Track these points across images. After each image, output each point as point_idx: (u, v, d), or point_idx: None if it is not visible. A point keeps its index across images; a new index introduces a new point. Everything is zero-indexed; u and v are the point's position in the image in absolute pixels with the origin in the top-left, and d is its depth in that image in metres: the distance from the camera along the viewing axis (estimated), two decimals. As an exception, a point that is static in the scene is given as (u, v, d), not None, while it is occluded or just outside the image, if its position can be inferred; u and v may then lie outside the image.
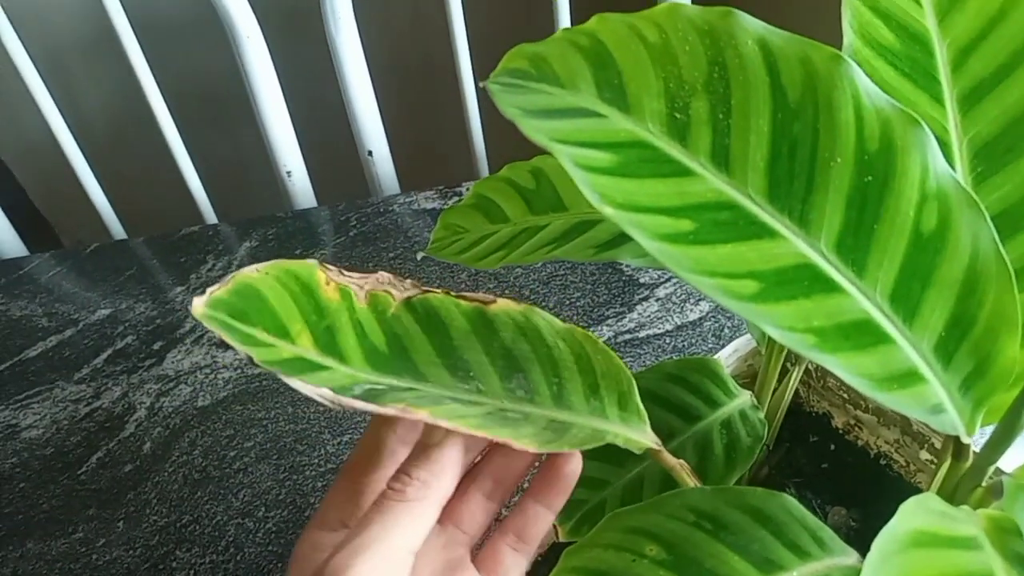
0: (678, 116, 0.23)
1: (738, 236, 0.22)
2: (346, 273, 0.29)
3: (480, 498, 0.29)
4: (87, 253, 0.73)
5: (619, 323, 0.61)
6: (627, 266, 0.65)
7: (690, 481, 0.26)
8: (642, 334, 0.60)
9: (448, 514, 0.29)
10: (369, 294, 0.29)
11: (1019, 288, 0.22)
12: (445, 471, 0.26)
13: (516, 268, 0.67)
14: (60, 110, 0.77)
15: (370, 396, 0.26)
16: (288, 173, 0.80)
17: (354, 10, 0.74)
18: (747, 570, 0.22)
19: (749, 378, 0.42)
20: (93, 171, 0.80)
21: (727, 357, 0.39)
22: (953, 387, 0.22)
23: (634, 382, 0.27)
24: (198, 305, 0.26)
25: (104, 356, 0.64)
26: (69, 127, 0.78)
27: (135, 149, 0.99)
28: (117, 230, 0.81)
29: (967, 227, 0.21)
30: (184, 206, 0.84)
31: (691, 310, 0.62)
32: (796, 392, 0.41)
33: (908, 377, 0.21)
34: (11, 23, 0.72)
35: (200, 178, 0.82)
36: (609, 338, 0.60)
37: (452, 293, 0.29)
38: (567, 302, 0.64)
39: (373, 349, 0.28)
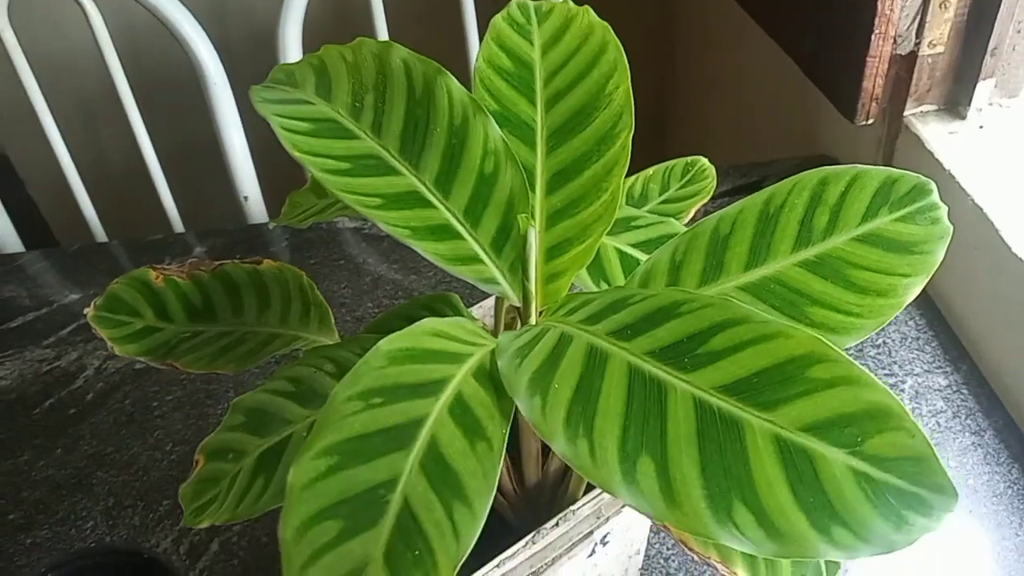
0: (357, 104, 0.37)
1: (376, 173, 0.36)
2: (168, 268, 0.45)
3: None
4: (71, 251, 0.89)
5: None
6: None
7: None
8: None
9: None
10: (190, 273, 0.45)
11: (560, 220, 0.36)
12: None
13: (411, 275, 0.82)
14: (68, 146, 0.94)
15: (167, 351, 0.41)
16: (245, 198, 0.96)
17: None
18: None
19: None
20: (88, 190, 0.97)
21: (491, 305, 0.52)
22: (505, 269, 0.35)
23: (330, 310, 0.42)
24: (88, 312, 0.43)
25: (69, 329, 0.79)
26: (73, 159, 0.95)
27: (124, 177, 1.17)
28: (101, 235, 0.97)
29: (509, 172, 0.35)
30: (159, 220, 1.00)
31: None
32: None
33: (472, 260, 0.35)
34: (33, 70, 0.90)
35: (175, 201, 0.99)
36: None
37: (236, 261, 0.44)
38: (447, 303, 0.78)
39: (192, 306, 0.43)
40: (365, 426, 0.27)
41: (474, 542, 0.26)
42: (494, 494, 0.27)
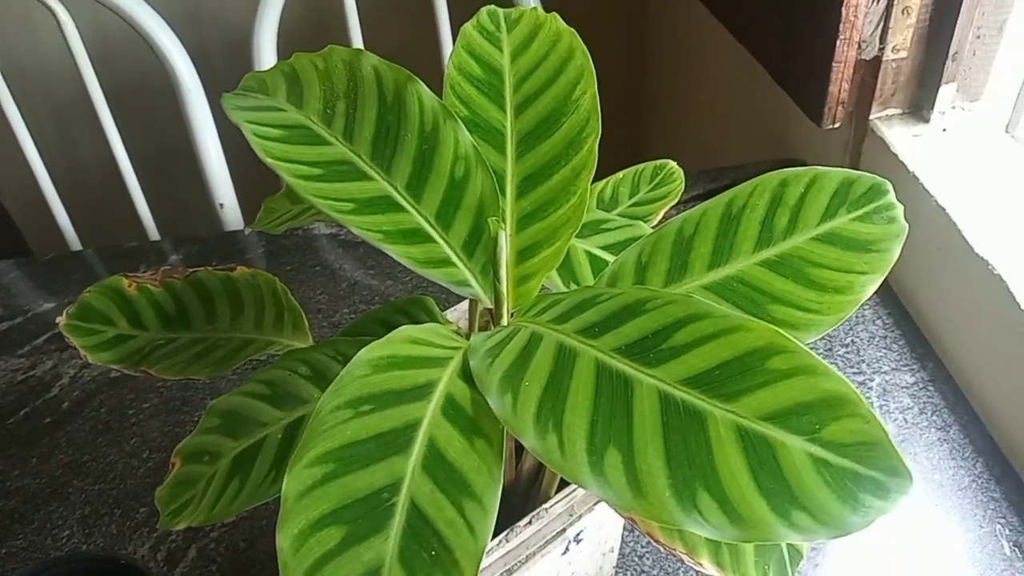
0: (328, 111, 0.38)
1: (348, 179, 0.36)
2: (141, 276, 0.45)
3: None
4: (45, 260, 0.89)
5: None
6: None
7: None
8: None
9: None
10: (163, 281, 0.45)
11: (530, 223, 0.37)
12: None
13: (387, 281, 0.82)
14: (41, 155, 0.94)
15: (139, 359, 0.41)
16: (220, 205, 0.96)
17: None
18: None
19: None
20: (62, 199, 0.97)
21: (466, 308, 0.53)
22: (476, 271, 0.36)
23: (303, 315, 0.42)
24: (60, 321, 0.42)
25: (44, 338, 0.78)
26: (47, 168, 0.95)
27: (98, 185, 1.16)
28: (75, 243, 0.97)
29: (480, 176, 0.36)
30: (134, 228, 1.00)
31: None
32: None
33: (444, 263, 0.35)
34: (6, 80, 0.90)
35: (150, 208, 0.99)
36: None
37: (210, 268, 0.45)
38: (424, 307, 0.78)
39: (165, 314, 0.43)
40: (357, 433, 0.28)
41: (490, 536, 0.26)
42: (501, 487, 0.28)
